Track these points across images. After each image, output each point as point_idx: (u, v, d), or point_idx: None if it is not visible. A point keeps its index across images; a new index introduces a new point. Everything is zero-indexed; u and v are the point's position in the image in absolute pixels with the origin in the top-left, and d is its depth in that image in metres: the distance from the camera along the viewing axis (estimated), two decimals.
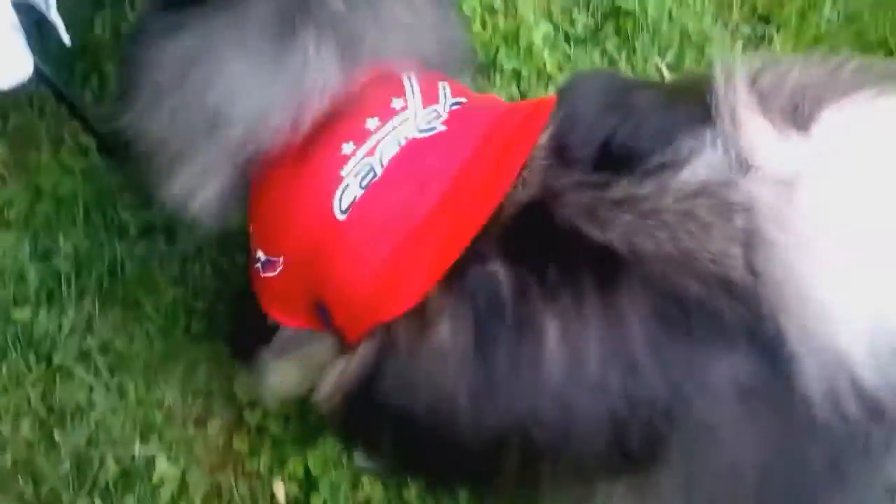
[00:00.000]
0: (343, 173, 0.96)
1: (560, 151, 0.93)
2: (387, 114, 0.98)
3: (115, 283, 1.44)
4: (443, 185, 0.94)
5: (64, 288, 1.43)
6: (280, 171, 0.98)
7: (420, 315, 0.93)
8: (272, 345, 1.10)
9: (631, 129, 0.91)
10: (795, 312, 0.79)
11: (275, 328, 1.08)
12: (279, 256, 1.02)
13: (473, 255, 0.92)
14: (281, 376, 1.15)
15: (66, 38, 1.18)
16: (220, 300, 1.43)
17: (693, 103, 0.89)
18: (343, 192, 0.95)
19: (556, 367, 0.87)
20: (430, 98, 1.01)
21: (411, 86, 1.01)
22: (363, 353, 0.99)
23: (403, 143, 0.96)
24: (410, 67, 1.01)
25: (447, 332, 0.92)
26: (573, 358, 0.87)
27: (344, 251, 0.97)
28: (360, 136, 0.96)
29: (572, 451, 0.90)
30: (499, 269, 0.91)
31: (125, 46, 1.08)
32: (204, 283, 1.44)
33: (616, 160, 0.89)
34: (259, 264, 1.03)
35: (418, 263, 0.94)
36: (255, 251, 1.04)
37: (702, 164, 0.85)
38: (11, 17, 1.10)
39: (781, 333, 0.79)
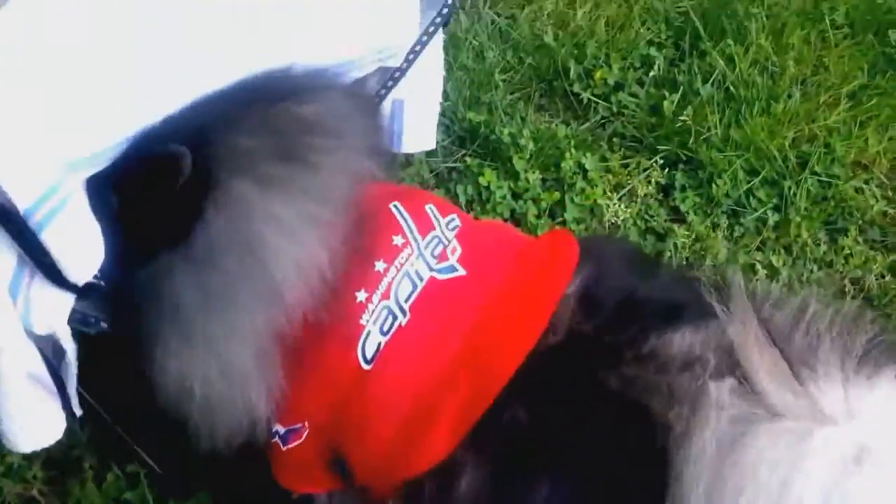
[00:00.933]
0: (363, 321, 0.94)
1: (587, 301, 0.95)
2: (391, 254, 0.97)
3: None
4: (467, 336, 0.94)
5: None
6: (297, 334, 0.93)
7: (445, 468, 0.92)
8: None
9: (650, 291, 0.97)
10: None
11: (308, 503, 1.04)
12: (302, 422, 0.98)
13: (498, 404, 0.91)
14: None
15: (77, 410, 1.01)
16: None
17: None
18: (365, 340, 0.94)
19: None
20: (424, 225, 1.01)
21: (403, 217, 1.01)
22: None
23: (420, 284, 0.96)
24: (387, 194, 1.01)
25: (468, 487, 0.92)
26: None
27: (369, 403, 0.95)
28: (372, 282, 0.95)
29: None
30: (520, 418, 0.91)
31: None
32: None
33: (633, 315, 0.94)
34: (277, 438, 0.99)
35: (443, 418, 0.92)
36: (271, 428, 0.98)
37: (696, 341, 0.90)
38: (48, 386, 0.95)
39: None
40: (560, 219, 1.64)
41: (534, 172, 1.67)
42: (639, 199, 1.66)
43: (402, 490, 0.95)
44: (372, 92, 1.09)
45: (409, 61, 1.14)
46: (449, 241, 1.01)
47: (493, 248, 1.03)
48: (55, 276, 0.84)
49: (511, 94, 1.78)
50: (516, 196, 1.66)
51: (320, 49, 0.99)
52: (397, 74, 1.14)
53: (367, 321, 0.94)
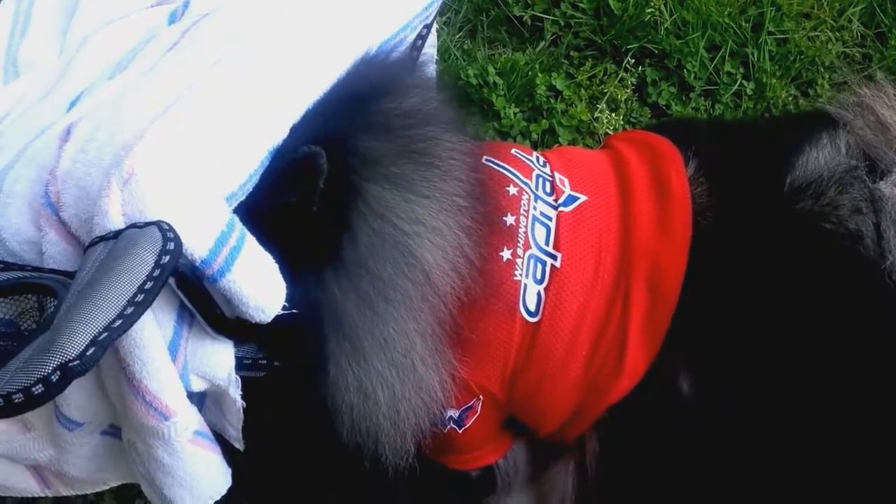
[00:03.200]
0: (517, 277, 0.93)
1: (713, 174, 0.94)
2: (513, 205, 0.96)
3: None
4: (622, 252, 0.93)
5: None
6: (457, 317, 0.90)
7: (656, 379, 0.90)
8: (499, 486, 1.04)
9: (754, 139, 1.00)
10: None
11: (490, 475, 1.03)
12: (476, 397, 0.95)
13: (686, 299, 0.88)
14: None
15: None
16: None
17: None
18: (524, 295, 0.92)
19: None
20: (524, 168, 0.99)
21: (503, 167, 0.99)
22: (593, 445, 0.96)
23: (552, 223, 0.95)
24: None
25: (691, 388, 0.90)
26: None
27: (548, 352, 0.93)
28: (510, 238, 0.94)
29: None
30: (718, 302, 0.89)
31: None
32: None
33: (759, 164, 0.94)
34: (452, 424, 0.96)
35: (631, 335, 0.91)
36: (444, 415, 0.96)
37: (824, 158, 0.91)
38: (210, 438, 0.86)
39: None
40: (556, 144, 1.59)
41: (511, 107, 1.61)
42: (622, 105, 1.64)
43: (605, 421, 0.94)
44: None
45: (434, 16, 1.05)
46: (552, 175, 0.99)
47: (591, 167, 1.01)
48: (222, 326, 0.75)
49: (457, 34, 1.70)
50: (504, 134, 1.60)
51: (383, 22, 0.90)
52: (425, 31, 1.05)
53: (520, 275, 0.91)
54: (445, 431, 0.94)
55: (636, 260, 0.91)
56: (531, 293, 0.91)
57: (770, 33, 1.70)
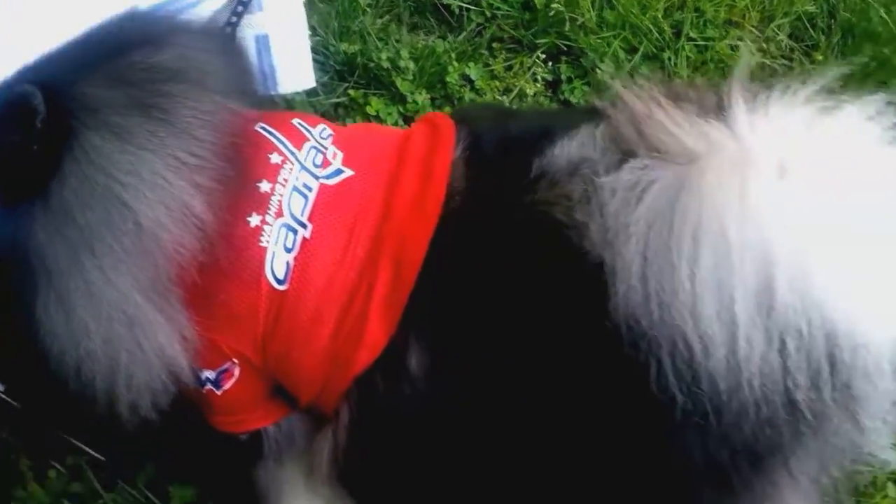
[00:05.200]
0: (263, 243, 0.93)
1: (472, 158, 0.98)
2: (272, 172, 0.96)
3: None
4: (375, 228, 0.95)
5: None
6: (200, 277, 0.91)
7: (390, 357, 0.94)
8: (266, 452, 1.04)
9: (520, 127, 1.01)
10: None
11: (258, 440, 1.03)
12: (231, 360, 0.96)
13: (423, 280, 0.92)
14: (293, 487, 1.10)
15: None
16: None
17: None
18: (273, 262, 0.94)
19: None
20: (296, 138, 1.00)
21: (272, 135, 1.00)
22: (345, 415, 0.99)
23: (311, 194, 0.96)
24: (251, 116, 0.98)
25: (417, 365, 0.93)
26: None
27: (295, 320, 0.95)
28: (260, 204, 0.94)
29: None
30: (445, 286, 0.92)
31: None
32: None
33: (514, 150, 0.97)
34: (210, 385, 0.97)
35: (373, 309, 0.94)
36: (199, 375, 0.96)
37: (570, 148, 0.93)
38: None
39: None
40: None
41: (421, 93, 1.65)
42: (529, 99, 1.67)
43: (353, 392, 0.96)
44: (222, 25, 1.05)
45: None
46: (327, 148, 1.01)
47: (373, 144, 1.04)
48: None
49: (380, 18, 1.75)
50: (408, 119, 1.64)
51: None
52: (240, 9, 1.09)
53: (268, 242, 0.93)
54: (204, 392, 0.97)
55: (387, 237, 0.94)
56: (280, 261, 0.93)
57: (691, 39, 1.71)
